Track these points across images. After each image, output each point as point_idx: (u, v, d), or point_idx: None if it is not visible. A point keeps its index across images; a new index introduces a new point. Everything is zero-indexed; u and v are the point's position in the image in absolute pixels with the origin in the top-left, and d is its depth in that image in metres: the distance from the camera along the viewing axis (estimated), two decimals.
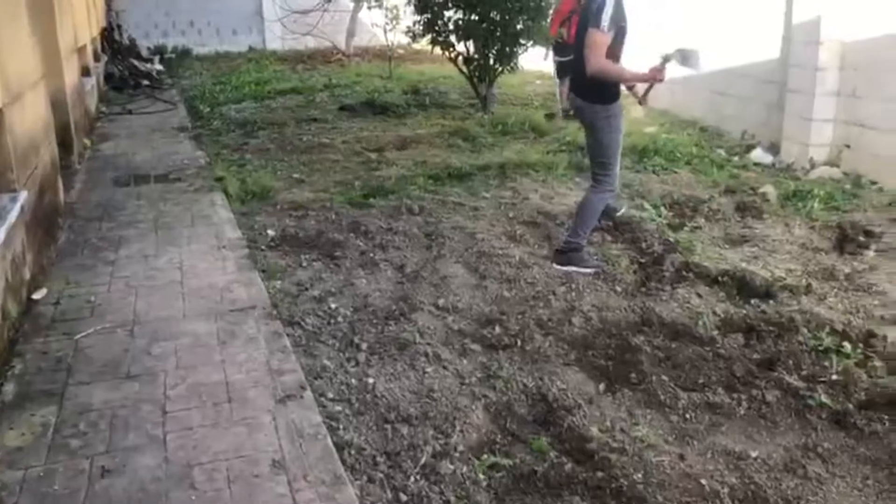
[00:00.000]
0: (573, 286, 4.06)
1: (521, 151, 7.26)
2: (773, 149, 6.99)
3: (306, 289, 4.19)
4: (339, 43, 15.92)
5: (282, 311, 3.89)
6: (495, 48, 8.11)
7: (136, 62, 13.38)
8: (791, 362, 3.13)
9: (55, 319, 3.82)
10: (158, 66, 14.38)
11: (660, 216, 5.26)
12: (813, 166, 6.37)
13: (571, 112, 4.60)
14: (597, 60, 4.08)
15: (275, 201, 5.94)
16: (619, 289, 4.07)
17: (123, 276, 4.38)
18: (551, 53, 8.55)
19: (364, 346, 3.49)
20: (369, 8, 14.96)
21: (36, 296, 4.10)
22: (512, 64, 8.40)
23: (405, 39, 12.67)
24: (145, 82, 12.43)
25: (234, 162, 7.26)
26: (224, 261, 4.63)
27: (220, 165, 7.04)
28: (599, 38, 4.06)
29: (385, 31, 12.55)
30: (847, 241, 4.52)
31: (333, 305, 3.94)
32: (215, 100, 10.54)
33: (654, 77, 4.23)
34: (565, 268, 4.33)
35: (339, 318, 3.81)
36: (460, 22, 8.22)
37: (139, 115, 9.83)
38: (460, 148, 7.64)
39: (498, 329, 3.64)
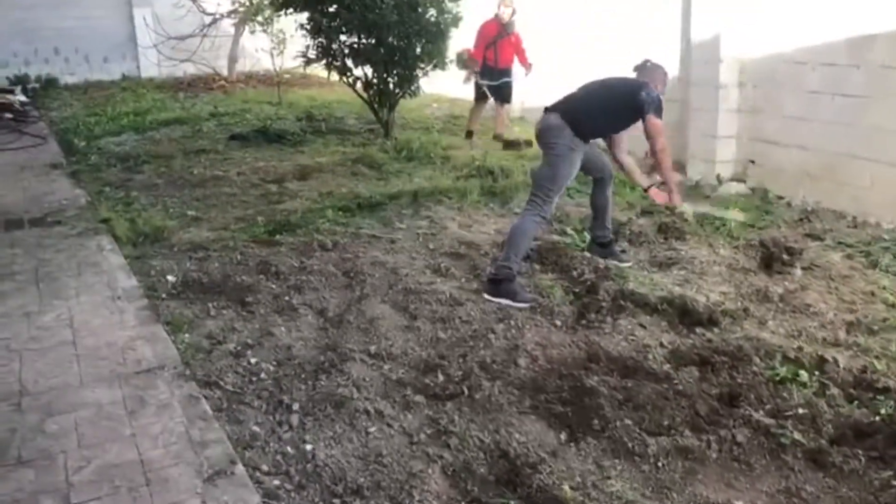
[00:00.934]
0: (512, 322, 3.84)
1: (430, 178, 7.03)
2: (678, 167, 7.07)
3: (219, 342, 3.77)
4: (220, 69, 15.25)
5: (195, 369, 3.46)
6: (395, 72, 7.87)
7: None
8: (752, 396, 3.01)
9: None
10: (22, 97, 13.28)
11: (584, 241, 5.14)
12: (720, 183, 6.47)
13: (538, 129, 4.44)
14: (662, 144, 4.37)
15: (171, 242, 5.43)
16: (558, 322, 3.88)
17: (2, 339, 3.82)
18: (472, 78, 8.54)
19: (295, 406, 3.12)
20: (252, 32, 14.43)
21: None
22: (413, 88, 8.18)
23: (292, 64, 12.30)
24: (7, 115, 11.41)
25: (119, 200, 6.65)
26: (121, 314, 4.14)
27: (105, 205, 6.43)
28: (660, 125, 4.34)
29: (272, 56, 12.08)
30: (772, 259, 4.53)
31: (254, 360, 3.55)
32: (91, 132, 9.76)
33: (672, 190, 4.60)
34: (498, 299, 4.12)
35: (263, 375, 3.42)
36: (357, 46, 7.93)
37: (4, 152, 8.95)
38: (366, 176, 7.33)
39: (440, 376, 3.36)
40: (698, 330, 3.71)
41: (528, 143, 8.21)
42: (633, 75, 4.62)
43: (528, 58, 8.70)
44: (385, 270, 4.73)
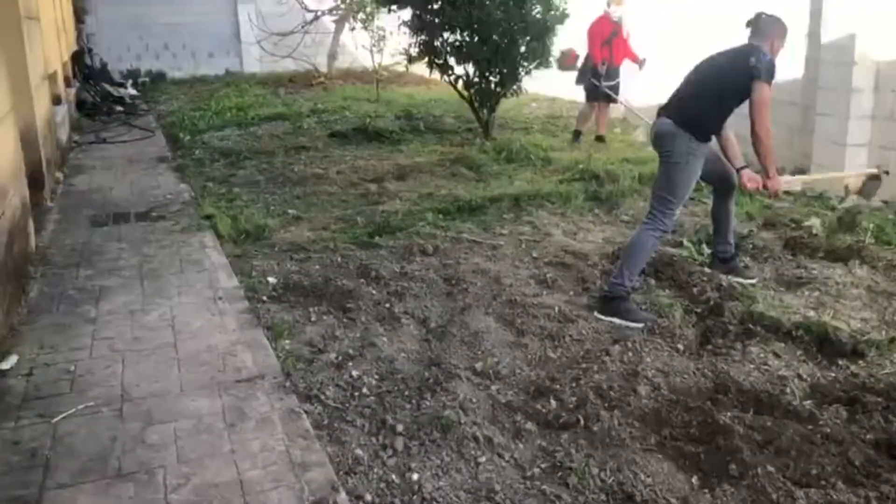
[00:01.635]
0: (628, 344, 3.56)
1: (532, 181, 6.78)
2: (798, 174, 6.58)
3: (320, 350, 3.64)
4: (320, 65, 15.42)
5: (296, 380, 3.33)
6: (498, 71, 7.64)
7: (108, 87, 12.76)
8: None
9: (28, 396, 3.23)
10: (132, 91, 13.78)
11: (701, 254, 4.79)
12: (847, 194, 5.95)
13: (653, 135, 4.13)
14: (767, 120, 3.84)
15: (272, 241, 5.39)
16: (680, 346, 3.57)
17: (107, 338, 3.80)
18: (589, 77, 8.28)
19: (400, 427, 2.95)
20: (351, 29, 14.52)
21: (4, 365, 3.51)
22: (515, 87, 7.94)
23: (390, 61, 12.27)
24: (119, 108, 11.82)
25: (222, 196, 6.69)
26: (222, 316, 4.07)
27: (208, 201, 6.46)
28: (769, 95, 3.81)
29: (372, 53, 12.06)
30: None
31: (355, 373, 3.39)
32: (195, 127, 9.96)
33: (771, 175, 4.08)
34: (611, 318, 3.84)
35: (365, 390, 3.26)
36: (460, 44, 7.74)
37: (114, 145, 9.23)
38: (465, 177, 7.14)
39: (553, 402, 3.12)
40: (841, 362, 3.34)
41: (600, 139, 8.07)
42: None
43: (637, 53, 8.38)
44: (488, 279, 4.52)
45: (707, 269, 4.45)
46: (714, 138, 4.12)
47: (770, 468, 2.56)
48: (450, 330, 3.83)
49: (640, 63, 8.31)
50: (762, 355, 3.43)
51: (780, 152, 6.99)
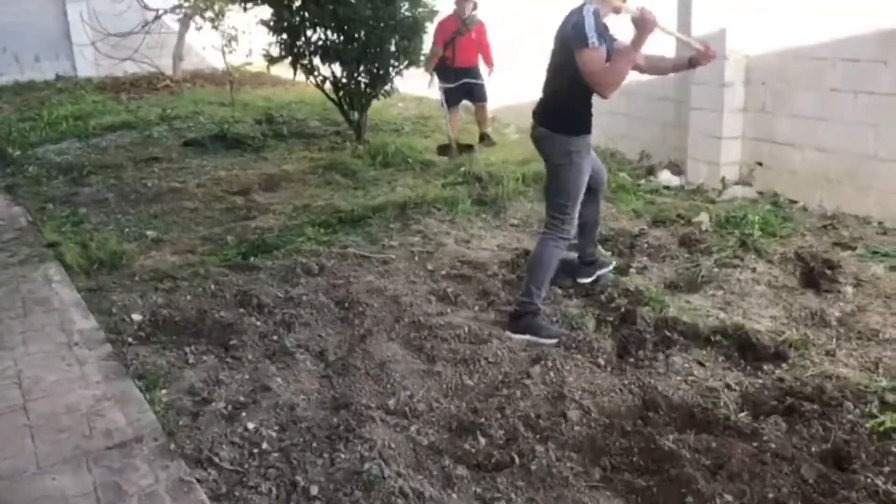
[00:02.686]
0: (548, 363, 3.31)
1: (413, 187, 6.45)
2: (674, 169, 6.66)
3: (205, 400, 3.15)
4: (164, 68, 14.36)
5: (181, 440, 2.84)
6: (367, 71, 7.25)
7: None
8: (863, 455, 2.54)
9: None
10: None
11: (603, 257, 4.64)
12: (725, 186, 6.06)
13: (533, 142, 3.86)
14: (603, 76, 3.40)
15: (131, 270, 4.77)
16: (601, 361, 3.37)
17: None
18: (435, 80, 7.77)
19: (314, 489, 2.54)
20: (198, 28, 13.61)
21: None
22: (386, 87, 7.57)
23: (241, 62, 11.56)
24: None
25: (65, 219, 5.91)
26: (81, 365, 3.48)
27: (49, 225, 5.69)
28: (592, 56, 3.37)
29: (224, 54, 11.30)
30: (814, 275, 4.11)
31: (251, 425, 2.94)
32: (26, 140, 8.89)
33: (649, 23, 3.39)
34: (523, 336, 3.58)
35: (266, 445, 2.82)
36: (325, 43, 7.29)
37: None
38: (341, 185, 6.72)
39: (480, 439, 2.82)
40: (766, 367, 3.24)
41: (467, 148, 7.66)
42: None
43: (492, 56, 7.95)
44: (384, 299, 4.16)
45: (610, 274, 4.30)
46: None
47: (728, 497, 2.38)
48: (352, 362, 3.44)
49: (490, 67, 7.92)
50: (686, 365, 3.29)
51: (654, 147, 7.10)
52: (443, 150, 7.53)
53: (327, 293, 4.28)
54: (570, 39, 3.44)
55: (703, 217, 5.09)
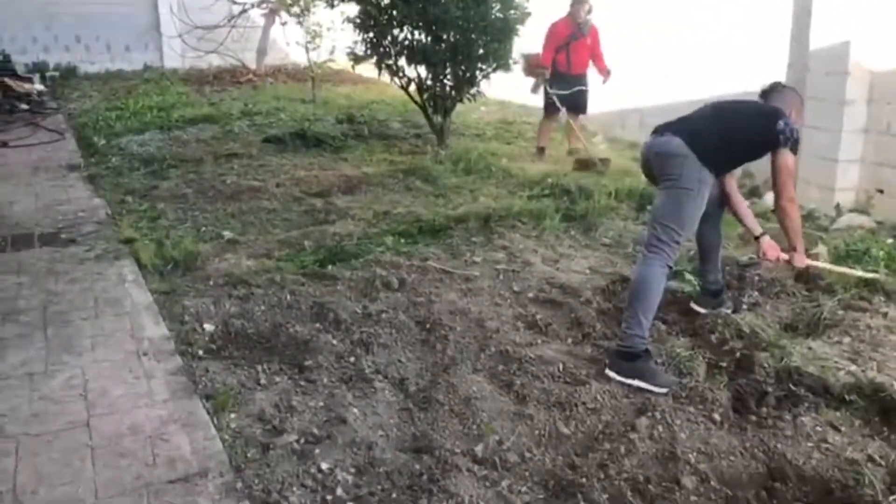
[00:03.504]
0: (656, 415, 2.94)
1: (497, 197, 6.14)
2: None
3: (276, 430, 2.90)
4: (248, 61, 14.41)
5: (249, 478, 2.60)
6: (454, 73, 6.96)
7: (10, 82, 11.49)
8: None
9: None
10: (39, 87, 12.48)
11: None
12: (839, 214, 5.54)
13: (649, 156, 3.57)
14: (793, 191, 3.56)
15: (205, 273, 4.58)
16: (717, 416, 2.98)
17: None
18: (540, 86, 7.46)
19: None
20: (283, 24, 13.60)
21: None
22: (473, 91, 7.27)
23: (324, 59, 11.46)
24: (23, 106, 10.62)
25: (143, 214, 5.81)
26: (149, 379, 3.28)
27: (127, 220, 5.59)
28: (792, 162, 3.50)
29: (307, 50, 11.21)
30: None
31: (325, 465, 2.67)
32: (111, 129, 8.93)
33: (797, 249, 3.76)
34: (630, 380, 3.21)
35: (340, 492, 2.54)
36: (412, 43, 7.03)
37: (16, 149, 8.14)
38: (422, 191, 6.45)
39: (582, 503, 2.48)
40: None
41: (605, 162, 7.26)
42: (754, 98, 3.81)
43: (605, 62, 7.58)
44: (468, 322, 3.85)
45: (724, 311, 3.89)
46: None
47: None
48: (434, 396, 3.14)
49: (605, 74, 7.55)
50: (818, 428, 2.87)
51: (758, 166, 6.58)
52: (582, 164, 7.18)
53: (407, 311, 4.01)
54: (779, 133, 3.44)
55: (821, 249, 4.61)
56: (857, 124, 5.43)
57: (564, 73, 7.43)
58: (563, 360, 3.39)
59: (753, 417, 2.96)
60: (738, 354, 3.38)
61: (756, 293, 4.21)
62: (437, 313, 3.94)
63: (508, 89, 7.86)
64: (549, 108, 7.60)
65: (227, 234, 5.34)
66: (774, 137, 3.44)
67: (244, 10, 13.95)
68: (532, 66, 7.30)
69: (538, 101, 7.89)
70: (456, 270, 4.60)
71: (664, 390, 3.15)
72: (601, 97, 8.01)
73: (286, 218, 5.80)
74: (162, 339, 3.67)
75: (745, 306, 4.01)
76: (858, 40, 5.28)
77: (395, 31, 6.96)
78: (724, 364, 3.37)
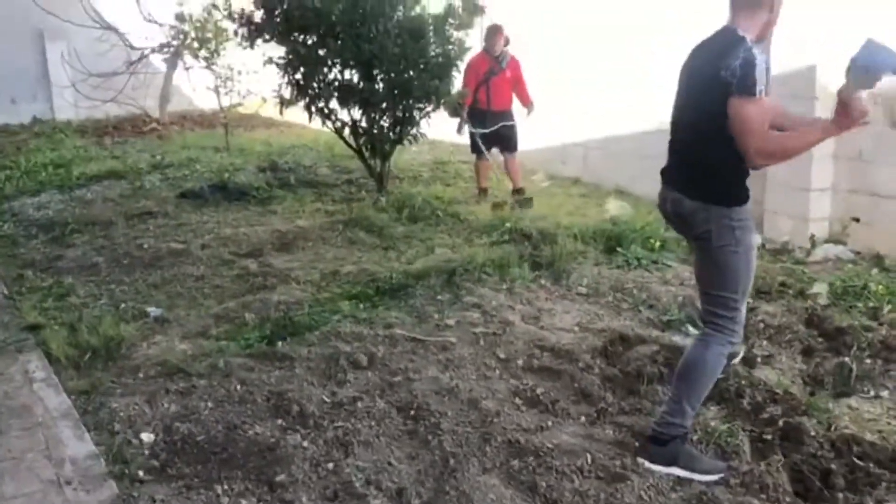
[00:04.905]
0: None
1: (454, 247, 5.61)
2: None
3: None
4: (150, 110, 13.51)
5: None
6: (393, 114, 6.44)
7: None
8: None
9: None
10: None
11: None
12: (814, 245, 5.29)
13: (668, 214, 3.03)
14: (762, 141, 2.60)
15: (132, 362, 3.87)
16: None
17: None
18: (465, 126, 6.94)
19: None
20: (187, 68, 12.82)
21: None
22: (413, 132, 6.76)
23: (228, 104, 10.79)
24: None
25: (48, 292, 4.99)
26: None
27: (28, 300, 4.78)
28: (755, 111, 2.57)
29: (218, 95, 10.49)
30: None
31: None
32: (1, 192, 7.95)
33: (856, 116, 2.62)
34: (669, 470, 2.72)
35: None
36: (345, 84, 6.48)
37: None
38: (367, 244, 5.86)
39: None
40: None
41: (525, 202, 6.84)
42: None
43: (529, 94, 7.11)
44: (459, 404, 3.30)
45: (735, 362, 3.47)
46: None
47: None
48: None
49: (529, 107, 7.05)
50: None
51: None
52: (497, 206, 6.70)
53: (384, 395, 3.42)
54: (728, 80, 2.59)
55: (821, 288, 4.29)
56: (827, 150, 5.20)
57: (485, 111, 6.92)
58: (586, 449, 2.87)
59: None
60: (780, 423, 2.94)
61: (766, 342, 3.82)
62: (421, 395, 3.37)
63: (437, 128, 7.34)
64: (475, 149, 7.10)
65: (153, 310, 4.60)
66: (721, 87, 2.59)
67: (143, 56, 13.07)
68: (456, 105, 6.81)
69: (458, 136, 7.46)
70: (429, 338, 4.03)
71: (713, 478, 2.67)
72: (541, 132, 7.66)
73: (218, 285, 5.09)
74: (88, 459, 2.95)
75: (758, 359, 3.60)
76: (825, 63, 5.07)
77: (326, 72, 6.39)
78: (768, 437, 2.92)
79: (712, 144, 2.73)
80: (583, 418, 3.19)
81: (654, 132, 7.41)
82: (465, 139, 7.59)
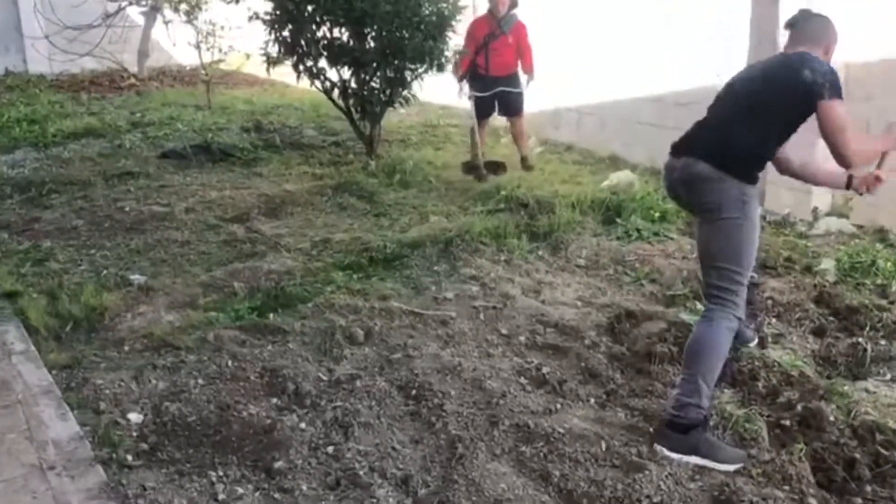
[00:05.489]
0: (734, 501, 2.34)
1: (448, 214, 5.44)
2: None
3: None
4: (128, 65, 13.06)
5: None
6: (383, 75, 6.19)
7: None
8: None
9: None
10: None
11: None
12: (816, 218, 5.19)
13: (674, 184, 2.94)
14: (856, 144, 2.71)
15: (116, 334, 3.70)
16: (812, 501, 2.41)
17: None
18: (465, 88, 6.59)
19: None
20: (166, 22, 12.38)
21: None
22: (406, 94, 6.51)
23: (209, 60, 10.43)
24: None
25: (25, 256, 4.78)
26: None
27: (4, 265, 4.56)
28: (842, 112, 2.67)
29: (200, 52, 10.13)
30: None
31: None
32: None
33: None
34: (688, 458, 2.61)
35: None
36: (336, 42, 6.21)
37: None
38: (358, 211, 5.67)
39: None
40: None
41: (498, 167, 6.57)
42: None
43: (532, 61, 6.69)
44: (462, 384, 3.16)
45: (751, 347, 3.36)
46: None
47: None
48: (454, 500, 2.43)
49: (529, 74, 6.70)
50: None
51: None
52: (469, 168, 6.50)
53: (384, 373, 3.28)
54: (810, 87, 2.66)
55: (828, 264, 4.18)
56: None
57: (483, 76, 6.52)
58: (598, 435, 2.75)
59: (855, 497, 2.42)
60: (799, 409, 2.83)
61: (775, 320, 3.71)
62: (422, 373, 3.22)
63: (427, 90, 7.07)
64: (477, 114, 6.68)
65: (136, 277, 4.41)
66: (806, 91, 2.69)
67: (121, 9, 12.59)
68: (462, 66, 6.52)
69: (461, 102, 7.13)
70: (427, 312, 3.89)
71: (732, 468, 2.57)
72: (534, 96, 7.44)
73: (204, 252, 4.90)
74: (73, 441, 2.78)
75: (769, 338, 3.50)
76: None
77: (314, 29, 6.11)
78: (786, 423, 2.81)
79: (756, 130, 2.77)
80: (592, 400, 3.06)
81: (649, 99, 7.34)
82: (457, 102, 7.37)
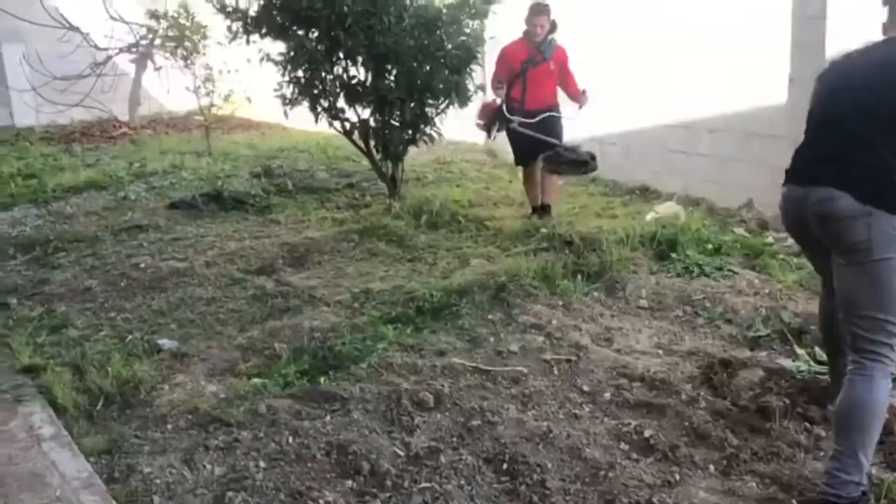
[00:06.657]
0: None
1: (489, 256, 5.12)
2: None
3: None
4: (117, 113, 12.74)
5: None
6: (406, 113, 5.90)
7: None
8: None
9: None
10: None
11: (817, 361, 3.38)
12: None
13: (804, 219, 2.59)
14: None
15: (156, 410, 3.33)
16: None
17: None
18: (494, 129, 5.78)
19: None
20: (157, 69, 12.13)
21: None
22: (430, 131, 6.21)
23: (216, 105, 10.15)
24: None
25: (39, 323, 4.40)
26: None
27: (18, 335, 4.16)
28: None
29: (198, 96, 9.84)
30: None
31: None
32: None
33: None
34: None
35: None
36: (352, 81, 5.92)
37: None
38: (391, 256, 5.33)
39: None
40: None
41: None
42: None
43: (578, 86, 5.85)
44: (559, 454, 2.81)
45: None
46: None
47: None
48: None
49: (581, 98, 5.78)
50: None
51: (755, 193, 5.94)
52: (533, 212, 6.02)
53: (465, 444, 2.93)
54: None
55: None
56: None
57: (517, 110, 5.63)
58: None
59: None
60: None
61: None
62: (510, 443, 2.88)
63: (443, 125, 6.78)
64: (519, 156, 5.99)
65: (167, 342, 4.03)
66: None
67: (110, 57, 12.31)
68: (486, 111, 5.80)
69: (468, 136, 6.65)
70: (495, 368, 3.54)
71: None
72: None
73: (233, 309, 4.53)
74: None
75: None
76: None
77: (333, 67, 5.82)
78: None
79: (886, 147, 2.37)
80: (711, 467, 2.71)
81: (678, 126, 7.10)
82: (464, 135, 6.95)
